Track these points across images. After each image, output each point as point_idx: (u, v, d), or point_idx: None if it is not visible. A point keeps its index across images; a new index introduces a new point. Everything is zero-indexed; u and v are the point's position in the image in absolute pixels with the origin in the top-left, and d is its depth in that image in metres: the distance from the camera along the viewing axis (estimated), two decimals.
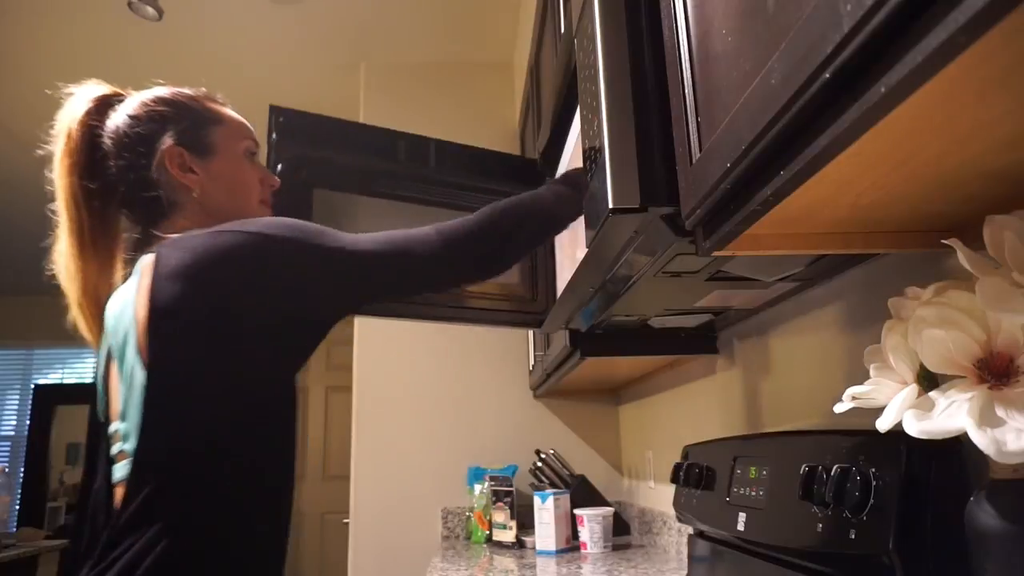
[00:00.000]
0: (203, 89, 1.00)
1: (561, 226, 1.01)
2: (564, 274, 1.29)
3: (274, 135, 1.22)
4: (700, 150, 0.58)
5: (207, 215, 0.92)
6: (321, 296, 0.84)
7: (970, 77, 0.33)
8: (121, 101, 0.95)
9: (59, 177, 0.91)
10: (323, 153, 1.23)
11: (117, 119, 0.92)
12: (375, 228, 1.00)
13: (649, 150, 0.68)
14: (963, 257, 0.47)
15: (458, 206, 1.28)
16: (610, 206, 0.67)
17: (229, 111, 0.99)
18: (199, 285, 0.77)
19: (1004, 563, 0.47)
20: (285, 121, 1.22)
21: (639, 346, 1.37)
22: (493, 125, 2.59)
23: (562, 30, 1.20)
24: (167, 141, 0.91)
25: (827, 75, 0.37)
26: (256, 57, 2.69)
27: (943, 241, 0.51)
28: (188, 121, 0.93)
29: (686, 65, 0.60)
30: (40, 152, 0.93)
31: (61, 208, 0.91)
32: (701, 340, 1.35)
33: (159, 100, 0.94)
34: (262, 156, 1.02)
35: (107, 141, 0.91)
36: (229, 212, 0.93)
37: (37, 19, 2.41)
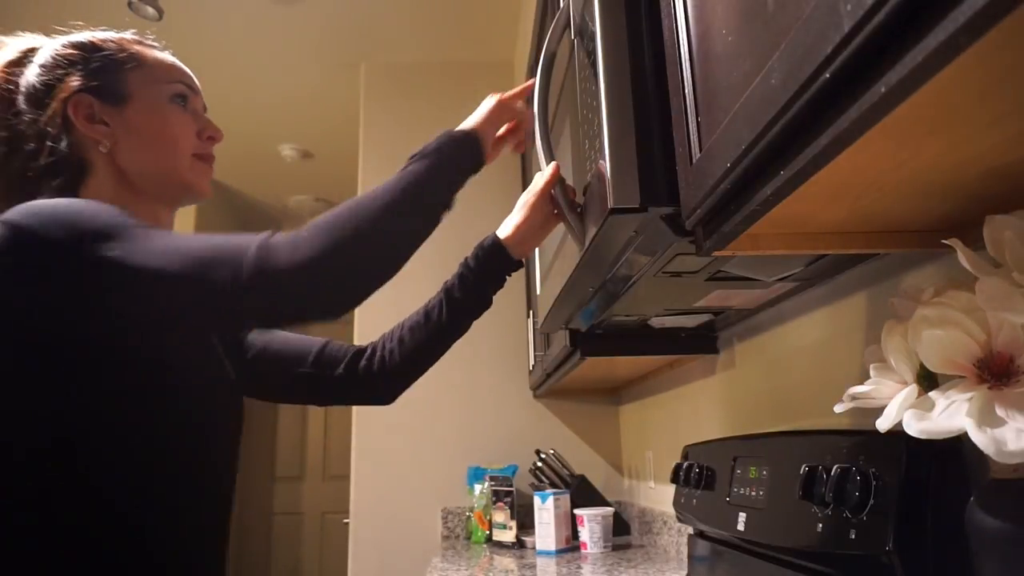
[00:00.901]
0: (129, 31, 0.88)
1: (427, 219, 0.79)
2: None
3: None
4: (700, 150, 0.58)
5: (121, 174, 0.79)
6: (82, 321, 0.65)
7: (970, 77, 0.33)
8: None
9: None
10: None
11: (29, 71, 0.81)
12: None
13: (649, 150, 0.68)
14: (963, 257, 0.47)
15: None
16: (610, 206, 0.67)
17: (152, 52, 0.85)
18: None
19: (1004, 563, 0.47)
20: None
21: (639, 346, 1.37)
22: None
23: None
24: (73, 88, 0.78)
25: (827, 75, 0.37)
26: (256, 57, 2.69)
27: (943, 241, 0.51)
28: (98, 64, 0.80)
29: (686, 65, 0.60)
30: None
31: None
32: (701, 340, 1.35)
33: (68, 43, 0.83)
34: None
35: (19, 96, 0.79)
36: (149, 169, 0.80)
37: (37, 19, 2.41)
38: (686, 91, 0.60)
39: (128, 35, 0.86)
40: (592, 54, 0.74)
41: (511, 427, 2.32)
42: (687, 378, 1.58)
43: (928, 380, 0.50)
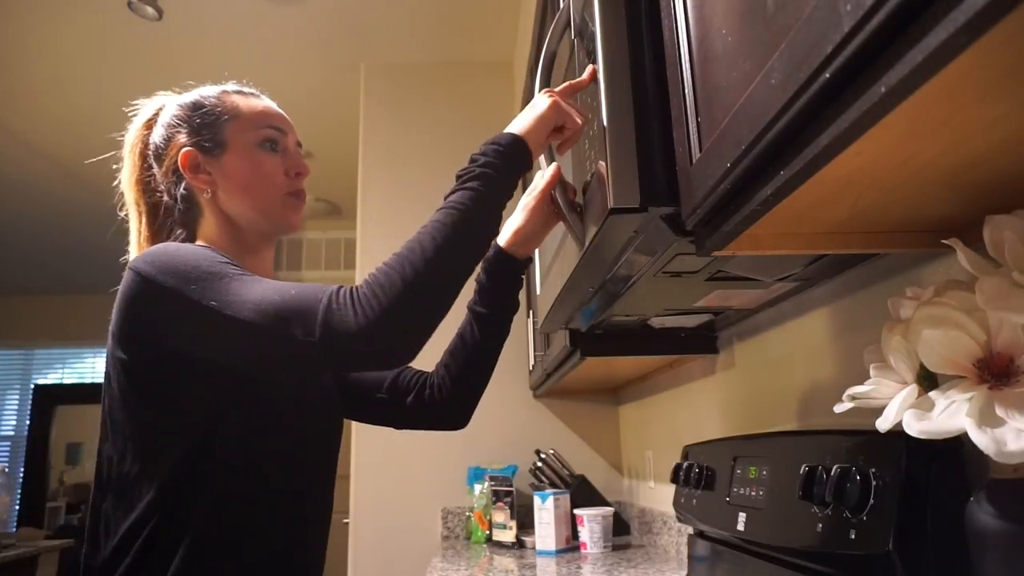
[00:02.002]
0: (231, 83, 0.96)
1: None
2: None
3: None
4: (700, 150, 0.58)
5: (224, 217, 0.90)
6: (198, 351, 0.76)
7: (970, 77, 0.33)
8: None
9: (125, 189, 0.95)
10: None
11: (155, 131, 0.93)
12: None
13: (649, 150, 0.68)
14: (963, 257, 0.47)
15: None
16: (610, 206, 0.67)
17: (248, 101, 0.93)
18: (116, 326, 0.79)
19: (1004, 563, 0.47)
20: None
21: (639, 346, 1.37)
22: (493, 125, 2.58)
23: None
24: (180, 144, 0.90)
25: (827, 75, 0.37)
26: (256, 57, 2.69)
27: (943, 241, 0.51)
28: (199, 121, 0.90)
29: (686, 65, 0.60)
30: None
31: (130, 216, 0.95)
32: (701, 340, 1.35)
33: (179, 104, 0.93)
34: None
35: (149, 153, 0.93)
36: (245, 211, 0.90)
37: (37, 19, 2.41)
38: (686, 91, 0.60)
39: (230, 87, 0.95)
40: (592, 54, 0.73)
41: (511, 427, 2.32)
42: (687, 378, 1.58)
43: (928, 380, 0.50)
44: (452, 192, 0.79)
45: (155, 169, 0.92)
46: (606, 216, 0.68)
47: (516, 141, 0.84)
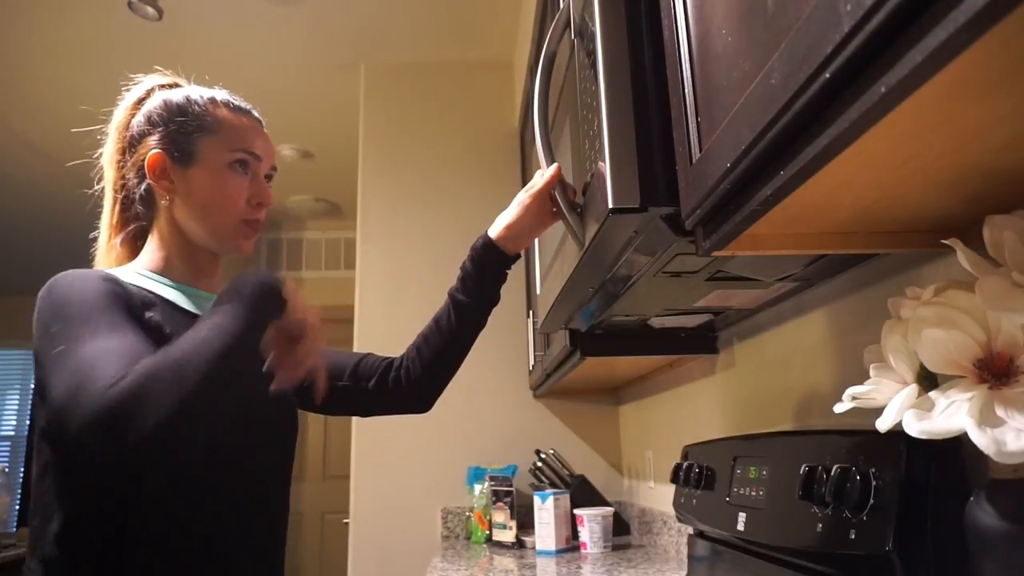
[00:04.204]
0: (224, 92, 0.95)
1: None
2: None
3: None
4: (700, 150, 0.58)
5: (176, 226, 0.89)
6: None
7: (970, 77, 0.33)
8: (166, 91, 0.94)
9: (105, 165, 0.93)
10: None
11: (137, 116, 0.92)
12: None
13: (649, 150, 0.68)
14: (963, 257, 0.47)
15: None
16: (610, 206, 0.67)
17: (234, 118, 0.91)
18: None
19: (1004, 563, 0.47)
20: None
21: (639, 346, 1.37)
22: (493, 125, 2.59)
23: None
24: (151, 144, 0.88)
25: (827, 75, 0.37)
26: (256, 58, 2.69)
27: (943, 241, 0.51)
28: (178, 126, 0.88)
29: (686, 65, 0.60)
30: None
31: (105, 193, 0.93)
32: (701, 340, 1.35)
33: (164, 100, 0.91)
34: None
35: (127, 137, 0.92)
36: (197, 228, 0.88)
37: (37, 19, 2.41)
38: (686, 91, 0.60)
39: (221, 96, 0.93)
40: (592, 54, 0.73)
41: (511, 427, 2.32)
42: (687, 378, 1.57)
43: (928, 380, 0.50)
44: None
45: (128, 157, 0.91)
46: (606, 216, 0.68)
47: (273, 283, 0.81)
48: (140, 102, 0.93)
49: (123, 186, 0.91)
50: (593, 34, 0.73)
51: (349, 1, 2.39)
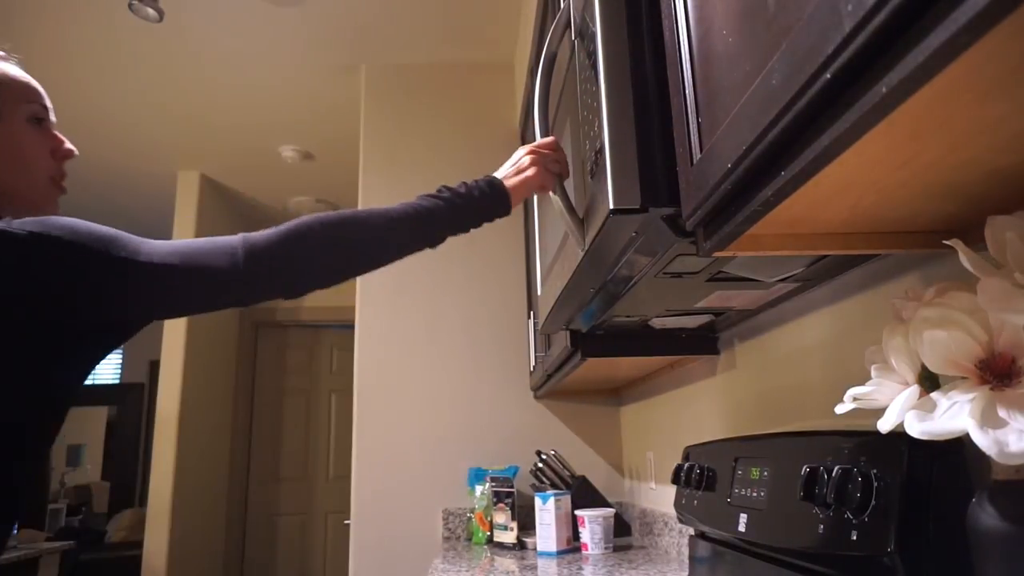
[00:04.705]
0: None
1: (391, 254, 0.89)
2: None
3: None
4: (701, 150, 0.58)
5: None
6: (104, 305, 0.76)
7: (972, 78, 0.33)
8: None
9: None
10: None
11: None
12: None
13: (650, 151, 0.68)
14: (964, 258, 0.47)
15: None
16: (611, 207, 0.67)
17: (12, 71, 0.87)
18: None
19: (1006, 564, 0.47)
20: None
21: (640, 347, 1.37)
22: (494, 125, 2.59)
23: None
24: None
25: (828, 75, 0.37)
26: (256, 59, 2.69)
27: (944, 242, 0.51)
28: None
29: (687, 65, 0.60)
30: None
31: None
32: (702, 341, 1.35)
33: None
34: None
35: None
36: (9, 189, 0.84)
37: (38, 20, 2.41)
38: (686, 91, 0.60)
39: None
40: (592, 54, 0.73)
41: (512, 428, 2.32)
42: (688, 379, 1.57)
43: (930, 381, 0.50)
44: (427, 196, 0.90)
45: None
46: (607, 217, 0.68)
47: (504, 193, 0.95)
48: None
49: None
50: (594, 34, 0.73)
51: (350, 2, 2.40)
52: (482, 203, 0.94)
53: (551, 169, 0.98)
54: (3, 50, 0.90)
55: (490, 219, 0.95)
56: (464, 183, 0.95)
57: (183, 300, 0.80)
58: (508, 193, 0.95)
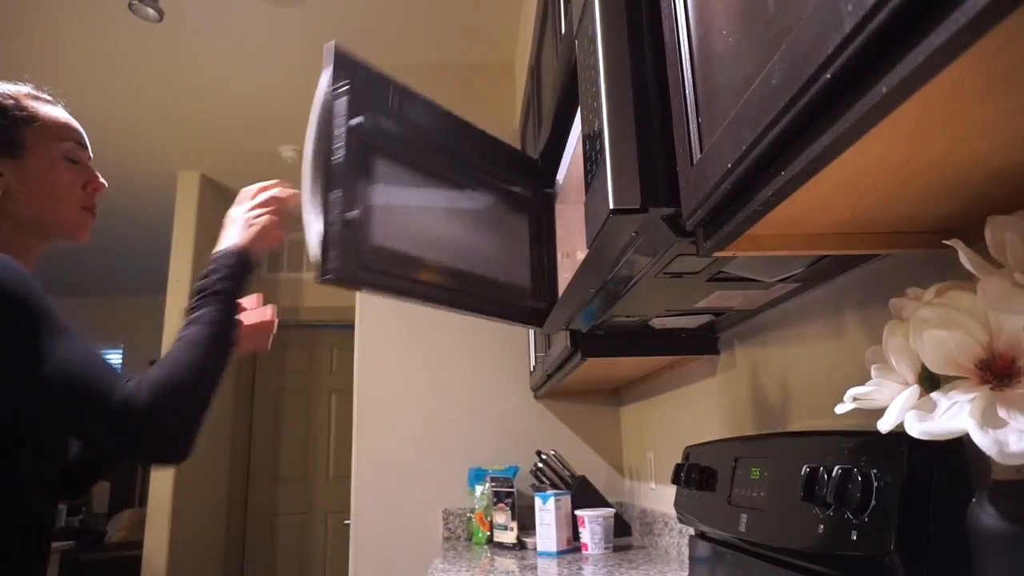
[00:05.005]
0: (27, 86, 0.98)
1: (227, 352, 0.91)
2: (564, 274, 1.29)
3: (336, 86, 1.17)
4: (701, 150, 0.58)
5: (13, 219, 0.91)
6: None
7: (972, 77, 0.33)
8: None
9: None
10: (390, 123, 1.15)
11: None
12: (422, 213, 1.03)
13: (650, 151, 0.68)
14: (965, 258, 0.47)
15: (481, 193, 1.28)
16: (611, 207, 0.67)
17: (50, 110, 0.96)
18: None
19: (1006, 564, 0.47)
20: (351, 84, 1.18)
21: (640, 347, 1.37)
22: (494, 126, 2.57)
23: (563, 30, 1.20)
24: None
25: (828, 75, 0.37)
26: (256, 59, 2.69)
27: (945, 242, 0.51)
28: (1, 123, 0.91)
29: (687, 65, 0.60)
30: None
31: None
32: (702, 341, 1.35)
33: None
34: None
35: None
36: (39, 217, 0.92)
37: (38, 20, 2.41)
38: (686, 91, 0.60)
39: (25, 90, 0.96)
40: (592, 55, 0.73)
41: (512, 428, 2.32)
42: (688, 379, 1.57)
43: (930, 381, 0.50)
44: (194, 308, 0.91)
45: None
46: (607, 217, 0.68)
47: (244, 255, 0.99)
48: None
49: None
50: (594, 34, 0.73)
51: (350, 2, 2.40)
52: (239, 277, 0.97)
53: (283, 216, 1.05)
54: (49, 94, 0.99)
55: (247, 281, 0.99)
56: (204, 273, 0.96)
57: (55, 422, 0.83)
58: (248, 255, 0.99)
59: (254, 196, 1.06)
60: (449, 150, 1.23)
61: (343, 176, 1.01)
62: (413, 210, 1.13)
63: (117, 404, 0.76)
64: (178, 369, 0.82)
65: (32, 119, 0.93)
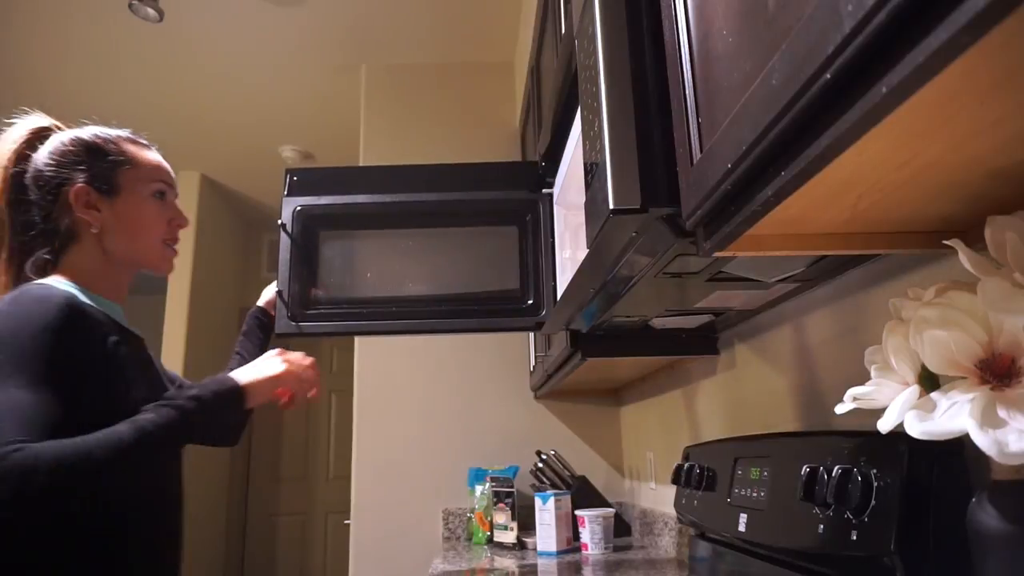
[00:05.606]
0: (126, 130, 1.06)
1: (156, 453, 0.87)
2: (564, 275, 1.29)
3: (285, 191, 1.41)
4: (701, 150, 0.58)
5: (103, 251, 0.99)
6: None
7: (972, 78, 0.33)
8: (49, 136, 1.02)
9: None
10: (328, 199, 1.41)
11: (38, 156, 0.99)
12: (376, 258, 1.15)
13: (650, 151, 0.67)
14: (964, 258, 0.47)
15: (460, 223, 1.40)
16: (611, 207, 0.67)
17: (146, 154, 1.05)
18: None
19: (1006, 564, 0.47)
20: (298, 179, 1.42)
21: (640, 347, 1.37)
22: (494, 126, 2.59)
23: (563, 31, 1.20)
24: (77, 180, 0.97)
25: (828, 75, 0.37)
26: (257, 59, 2.69)
27: (944, 242, 0.51)
28: (99, 163, 0.99)
29: (687, 65, 0.60)
30: None
31: None
32: (702, 341, 1.35)
33: (76, 141, 1.01)
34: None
35: (28, 176, 0.99)
36: (127, 250, 1.01)
37: (38, 20, 2.41)
38: (686, 91, 0.60)
39: (124, 134, 1.06)
40: (592, 55, 0.73)
41: (512, 428, 2.32)
42: (688, 379, 1.57)
43: (930, 381, 0.50)
44: (154, 406, 0.87)
45: (33, 193, 0.98)
46: (607, 217, 0.68)
47: (237, 389, 0.97)
48: (32, 141, 1.01)
49: (22, 219, 0.98)
50: (594, 34, 0.73)
51: (350, 2, 2.40)
52: (216, 404, 0.93)
53: (304, 380, 1.07)
54: (145, 139, 1.08)
55: (222, 421, 1.01)
56: (192, 386, 0.95)
57: None
58: (242, 390, 0.97)
59: (288, 358, 1.08)
60: (399, 202, 1.41)
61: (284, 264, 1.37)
62: (366, 261, 1.39)
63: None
64: (72, 451, 0.77)
65: (128, 162, 1.02)
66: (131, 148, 1.04)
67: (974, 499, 0.50)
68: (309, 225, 1.40)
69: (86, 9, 2.36)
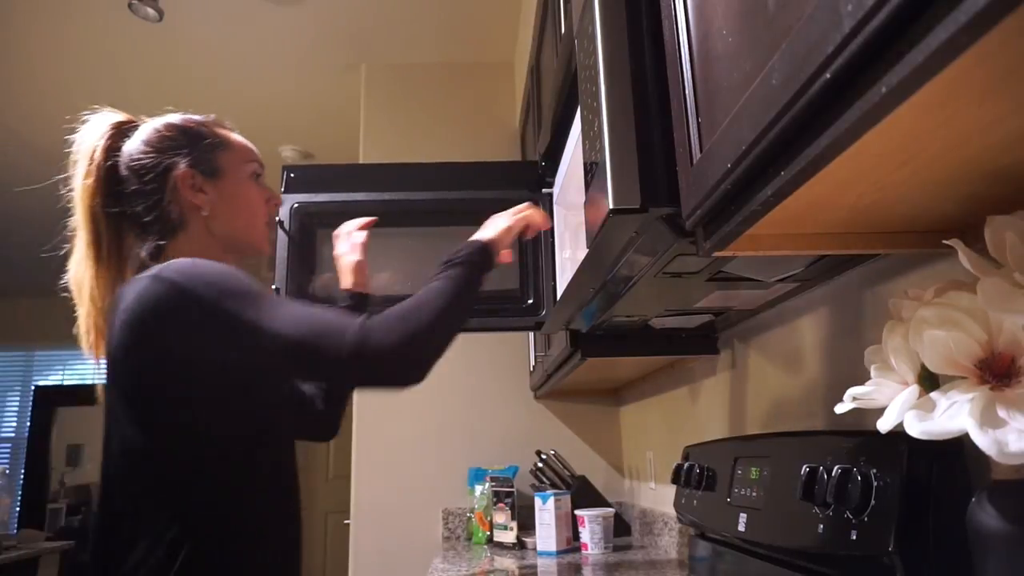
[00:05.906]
0: (212, 116, 1.06)
1: (467, 313, 0.96)
2: (565, 275, 1.29)
3: (282, 188, 1.40)
4: (701, 150, 0.58)
5: (211, 234, 0.99)
6: (225, 360, 0.84)
7: (971, 77, 0.33)
8: (135, 128, 1.00)
9: (80, 198, 0.97)
10: (325, 196, 1.43)
11: (132, 146, 0.98)
12: (375, 257, 1.17)
13: (650, 150, 0.68)
14: (964, 258, 0.47)
15: (459, 222, 1.38)
16: (610, 207, 0.67)
17: (236, 136, 1.05)
18: (138, 337, 0.82)
19: (1006, 564, 0.47)
20: (296, 176, 1.44)
21: (640, 347, 1.37)
22: (494, 126, 2.59)
23: (563, 30, 1.20)
24: (180, 165, 0.96)
25: (828, 75, 0.37)
26: (257, 59, 2.69)
27: (944, 242, 0.51)
28: (199, 146, 0.99)
29: (687, 65, 0.60)
30: (60, 175, 1.00)
31: (81, 225, 0.96)
32: (702, 341, 1.35)
33: (170, 127, 1.00)
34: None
35: (123, 167, 0.97)
36: (234, 231, 1.01)
37: (37, 20, 2.41)
38: (686, 91, 0.60)
39: (211, 119, 1.06)
40: (592, 55, 0.73)
41: (512, 428, 2.32)
42: (688, 379, 1.57)
43: (929, 381, 0.50)
44: (442, 269, 0.95)
45: (132, 183, 0.96)
46: (607, 217, 0.68)
47: (485, 246, 1.02)
48: (119, 133, 0.99)
49: (118, 211, 0.97)
50: (593, 34, 0.73)
51: (350, 2, 2.40)
52: (480, 261, 1.00)
53: (532, 224, 1.11)
54: (228, 123, 1.08)
55: (486, 268, 1.02)
56: (448, 256, 1.00)
57: (297, 371, 0.93)
58: (488, 245, 1.02)
59: (520, 211, 1.12)
60: (418, 200, 1.43)
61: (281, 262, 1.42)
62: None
63: (349, 342, 0.79)
64: (414, 306, 0.86)
65: (224, 144, 1.02)
66: (222, 131, 1.04)
67: (974, 499, 0.50)
68: (307, 223, 1.41)
69: (86, 9, 2.36)
